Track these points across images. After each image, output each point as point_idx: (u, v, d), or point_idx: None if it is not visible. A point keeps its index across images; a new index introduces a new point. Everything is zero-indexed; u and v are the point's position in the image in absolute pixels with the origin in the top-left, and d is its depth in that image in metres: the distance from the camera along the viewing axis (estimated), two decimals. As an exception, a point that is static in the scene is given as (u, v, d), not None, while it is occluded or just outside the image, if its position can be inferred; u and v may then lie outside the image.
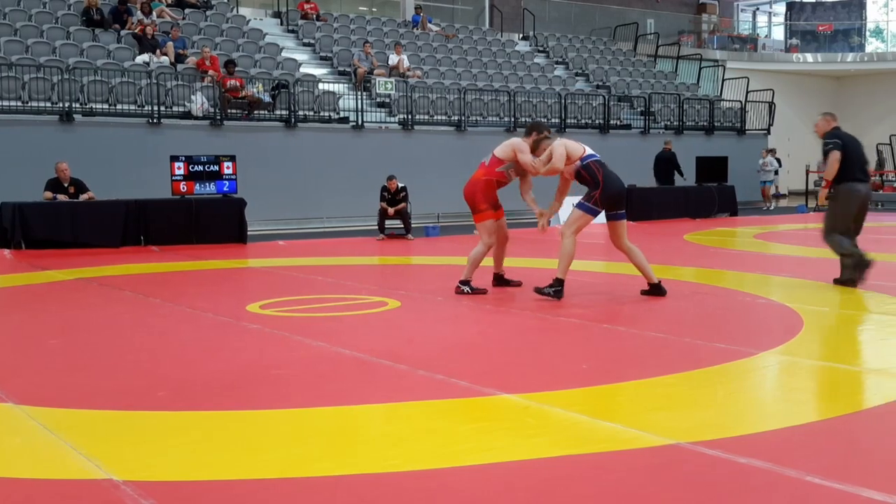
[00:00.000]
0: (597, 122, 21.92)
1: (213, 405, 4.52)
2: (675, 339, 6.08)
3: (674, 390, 4.75)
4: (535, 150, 7.94)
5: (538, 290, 7.71)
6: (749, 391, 5.01)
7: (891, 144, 25.91)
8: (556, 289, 7.65)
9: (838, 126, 8.51)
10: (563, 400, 4.48)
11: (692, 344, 5.93)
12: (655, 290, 7.90)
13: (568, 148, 7.73)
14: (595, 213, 7.78)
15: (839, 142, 8.31)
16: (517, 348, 6.05)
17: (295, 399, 4.60)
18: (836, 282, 8.46)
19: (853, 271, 8.30)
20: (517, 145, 8.04)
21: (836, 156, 8.24)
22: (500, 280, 8.51)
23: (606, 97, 22.45)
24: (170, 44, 17.39)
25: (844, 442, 3.88)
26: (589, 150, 7.79)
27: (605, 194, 7.66)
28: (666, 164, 20.10)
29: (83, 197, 13.04)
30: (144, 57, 16.90)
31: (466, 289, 8.10)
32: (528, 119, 20.59)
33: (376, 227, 14.71)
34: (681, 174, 20.06)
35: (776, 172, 23.87)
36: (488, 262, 8.42)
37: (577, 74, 24.97)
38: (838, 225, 8.39)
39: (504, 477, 3.45)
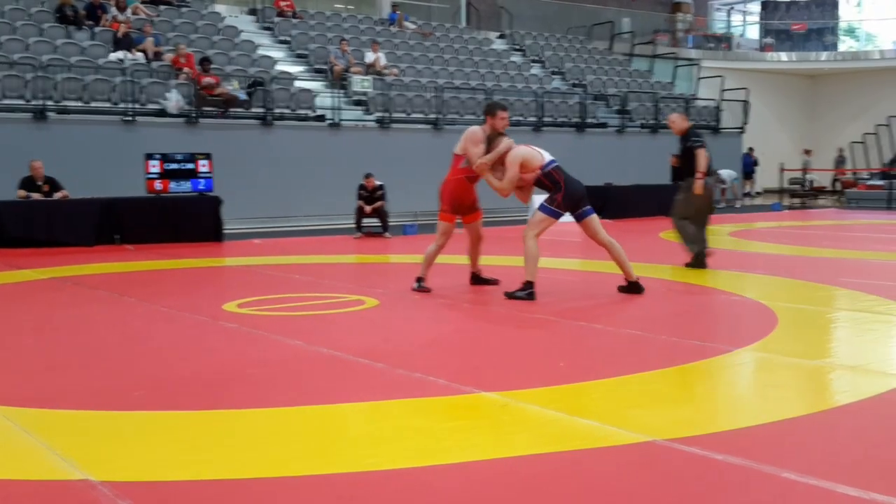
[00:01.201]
0: (573, 120, 21.97)
1: (190, 405, 4.49)
2: (652, 337, 6.11)
3: (650, 387, 4.78)
4: (490, 144, 7.76)
5: (509, 295, 7.67)
6: (725, 388, 5.06)
7: (864, 143, 26.15)
8: (528, 291, 7.64)
9: (692, 125, 9.81)
10: (540, 397, 4.49)
11: (668, 341, 5.97)
12: (633, 287, 7.88)
13: (525, 158, 7.64)
14: (558, 216, 7.76)
15: (702, 140, 9.53)
16: (495, 346, 6.06)
17: (273, 398, 4.58)
18: (688, 265, 9.53)
19: (700, 257, 9.53)
20: (469, 136, 7.86)
21: (704, 153, 9.42)
22: (476, 279, 8.53)
23: (583, 96, 22.52)
24: (150, 40, 17.27)
25: (820, 438, 3.92)
26: (547, 157, 7.74)
27: (567, 196, 7.66)
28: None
29: (57, 195, 12.93)
30: (119, 54, 16.77)
31: (415, 285, 8.16)
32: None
33: (353, 226, 14.68)
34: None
35: (752, 172, 24.42)
36: (447, 260, 8.43)
37: (553, 73, 25.02)
38: (688, 211, 9.66)
39: (483, 475, 3.46)
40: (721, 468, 3.47)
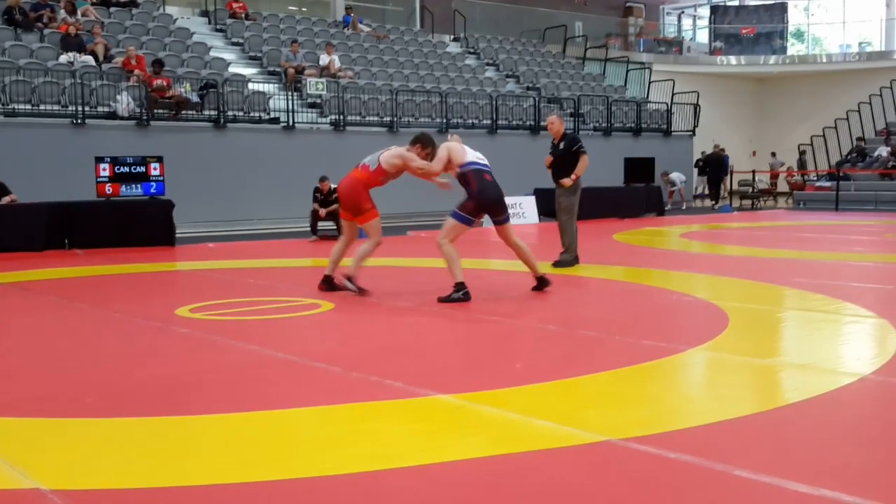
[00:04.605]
0: (527, 123, 22.10)
1: (143, 411, 4.44)
2: (606, 338, 6.16)
3: (605, 388, 4.82)
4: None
5: (444, 300, 7.66)
6: (678, 387, 5.11)
7: (812, 145, 26.62)
8: (462, 291, 7.66)
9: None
10: (497, 399, 4.51)
11: (622, 342, 6.02)
12: (541, 282, 8.11)
13: (451, 152, 7.84)
14: (468, 223, 7.85)
15: (583, 145, 9.99)
16: (451, 349, 6.07)
17: (227, 404, 4.55)
18: (556, 265, 9.82)
19: (573, 258, 10.02)
20: (406, 157, 8.06)
21: (587, 159, 9.89)
22: (328, 282, 8.34)
23: (537, 99, 22.65)
24: (100, 42, 17.03)
25: (772, 436, 3.97)
26: (471, 158, 7.84)
27: (477, 204, 7.78)
28: (716, 165, 23.48)
29: (5, 200, 12.70)
30: (68, 56, 16.52)
31: (350, 285, 8.11)
32: (459, 120, 20.69)
33: (308, 229, 14.61)
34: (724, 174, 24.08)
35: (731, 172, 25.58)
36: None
37: (507, 76, 25.14)
38: (576, 211, 10.14)
39: (440, 477, 3.46)
40: (675, 467, 3.51)
